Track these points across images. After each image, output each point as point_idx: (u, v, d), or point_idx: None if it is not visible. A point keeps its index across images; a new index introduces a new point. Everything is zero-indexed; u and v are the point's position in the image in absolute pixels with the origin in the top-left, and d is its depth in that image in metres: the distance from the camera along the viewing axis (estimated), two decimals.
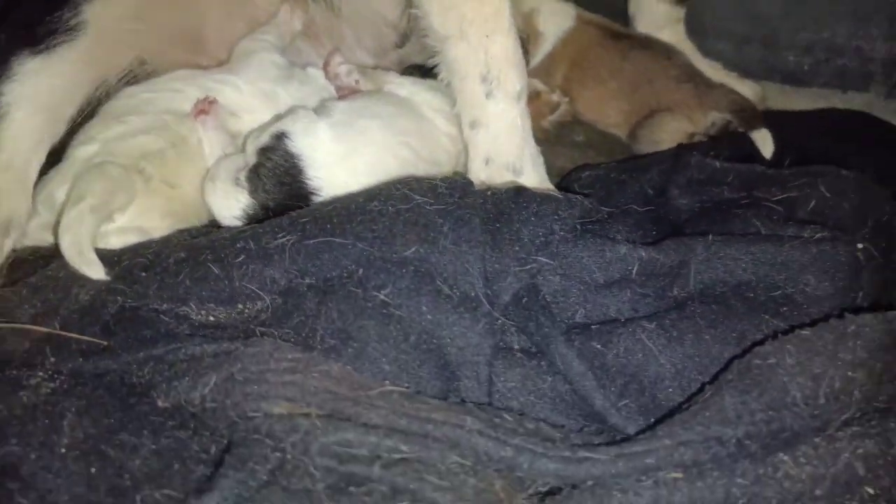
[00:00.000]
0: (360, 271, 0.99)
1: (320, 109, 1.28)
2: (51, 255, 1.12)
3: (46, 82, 1.23)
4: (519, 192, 1.12)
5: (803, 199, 1.22)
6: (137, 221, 1.20)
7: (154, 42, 1.40)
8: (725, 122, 1.55)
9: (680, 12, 1.79)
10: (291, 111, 1.28)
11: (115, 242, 1.16)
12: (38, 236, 1.21)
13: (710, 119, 1.55)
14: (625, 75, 1.65)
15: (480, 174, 1.33)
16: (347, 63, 1.51)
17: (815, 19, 1.80)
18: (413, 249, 1.00)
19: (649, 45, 1.69)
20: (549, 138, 1.70)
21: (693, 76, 1.62)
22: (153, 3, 1.37)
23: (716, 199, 1.29)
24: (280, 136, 1.21)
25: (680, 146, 1.48)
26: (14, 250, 1.18)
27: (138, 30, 1.35)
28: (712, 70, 1.82)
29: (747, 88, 1.80)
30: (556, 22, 1.72)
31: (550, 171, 1.55)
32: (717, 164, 1.29)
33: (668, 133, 1.58)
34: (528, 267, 1.01)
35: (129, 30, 1.33)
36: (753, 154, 1.49)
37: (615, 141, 1.71)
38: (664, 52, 1.67)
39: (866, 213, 1.16)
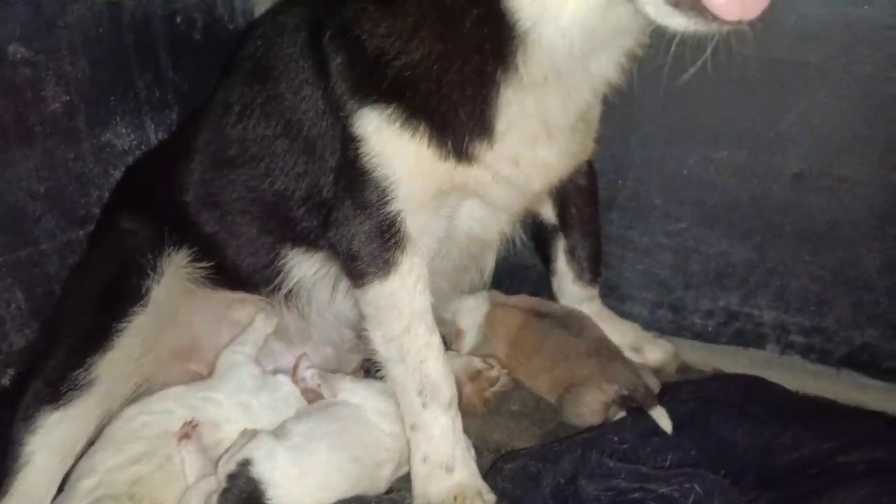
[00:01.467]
0: None
1: (279, 431, 1.57)
2: None
3: (63, 430, 1.52)
4: None
5: (683, 495, 1.47)
6: None
7: (153, 368, 1.71)
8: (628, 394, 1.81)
9: (593, 291, 2.11)
10: (256, 436, 1.55)
11: None
12: None
13: (617, 390, 1.81)
14: (546, 353, 1.93)
15: (420, 470, 1.60)
16: (312, 367, 1.81)
17: (711, 290, 2.12)
18: None
19: (565, 322, 1.98)
20: (489, 408, 1.98)
21: (599, 351, 1.89)
22: (154, 340, 1.68)
23: (615, 489, 1.55)
24: (244, 463, 1.49)
25: (589, 430, 1.75)
26: None
27: (141, 365, 1.66)
28: (632, 331, 2.13)
29: (661, 348, 2.10)
30: (471, 315, 2.03)
31: (487, 445, 1.83)
32: (611, 463, 1.55)
33: (585, 405, 1.84)
34: None
35: (133, 370, 1.64)
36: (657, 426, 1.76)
37: (547, 408, 1.97)
38: (577, 328, 1.96)
39: None
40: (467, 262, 1.86)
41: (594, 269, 2.09)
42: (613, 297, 2.23)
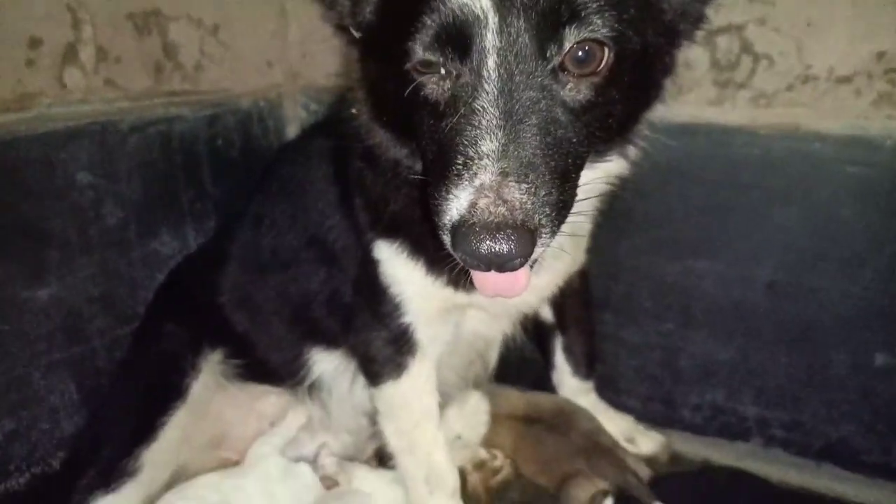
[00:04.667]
0: None
1: None
2: None
3: None
4: None
5: None
6: None
7: (189, 455, 1.92)
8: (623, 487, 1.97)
9: (589, 385, 2.30)
10: None
11: None
12: None
13: (606, 485, 1.97)
14: (540, 458, 2.11)
15: None
16: (332, 456, 2.01)
17: (698, 386, 2.30)
18: None
19: (554, 424, 2.15)
20: (492, 496, 2.14)
21: (587, 448, 2.06)
22: (191, 431, 1.89)
23: None
24: None
25: None
26: None
27: (179, 453, 1.87)
28: (625, 422, 2.31)
29: (653, 440, 2.27)
30: (471, 432, 2.20)
31: None
32: None
33: (575, 499, 2.00)
34: None
35: (172, 458, 1.85)
36: None
37: (547, 496, 2.13)
38: (565, 427, 2.13)
39: None
40: (473, 357, 2.07)
41: (590, 364, 2.29)
42: (609, 391, 2.41)
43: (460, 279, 1.64)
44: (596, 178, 1.52)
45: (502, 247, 1.08)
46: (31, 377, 1.99)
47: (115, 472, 1.73)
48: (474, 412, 2.18)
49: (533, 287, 1.73)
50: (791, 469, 2.19)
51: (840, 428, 2.14)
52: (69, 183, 2.01)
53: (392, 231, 1.66)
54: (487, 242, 1.08)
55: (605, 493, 1.95)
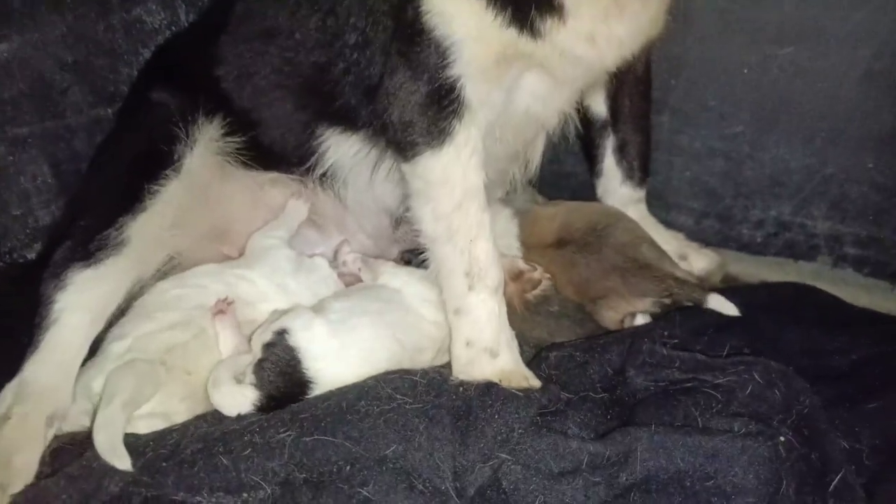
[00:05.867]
0: (348, 468, 1.17)
1: (318, 307, 1.50)
2: (87, 441, 1.31)
3: (94, 290, 1.45)
4: (486, 390, 1.31)
5: (740, 386, 1.40)
6: (161, 408, 1.39)
7: (186, 242, 1.64)
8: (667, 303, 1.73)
9: (641, 193, 2.02)
10: (292, 310, 1.48)
11: (143, 427, 1.35)
12: (77, 422, 1.40)
13: (646, 304, 1.73)
14: (573, 278, 1.86)
15: (462, 354, 1.52)
16: (354, 252, 1.74)
17: (763, 199, 2.03)
18: (392, 448, 1.19)
19: (586, 244, 1.86)
20: (529, 308, 1.91)
21: (622, 265, 1.78)
22: (187, 213, 1.61)
23: (666, 380, 1.47)
24: (281, 333, 1.42)
25: (636, 328, 1.67)
26: (56, 436, 1.37)
27: (174, 235, 1.59)
28: (675, 240, 2.04)
29: (706, 257, 2.01)
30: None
31: (527, 341, 1.75)
32: (665, 351, 1.48)
33: (607, 319, 1.79)
34: (491, 462, 1.19)
35: (165, 237, 1.56)
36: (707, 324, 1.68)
37: (585, 311, 1.90)
38: (597, 246, 1.84)
39: (790, 404, 1.33)
40: (518, 149, 1.77)
41: (644, 167, 2.00)
42: (658, 206, 2.13)
43: (528, 14, 1.33)
44: None
45: None
46: None
47: (95, 244, 1.45)
48: (502, 234, 1.91)
49: (612, 39, 1.44)
50: (861, 291, 1.95)
51: None
52: None
53: None
54: None
55: (633, 315, 1.74)
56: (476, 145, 1.48)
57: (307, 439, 1.21)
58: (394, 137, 1.52)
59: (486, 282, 1.52)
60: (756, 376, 1.39)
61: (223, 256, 1.77)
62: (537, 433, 1.23)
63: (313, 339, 1.41)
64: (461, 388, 1.32)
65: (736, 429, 1.26)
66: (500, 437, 1.22)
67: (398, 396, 1.25)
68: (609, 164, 2.01)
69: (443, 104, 1.43)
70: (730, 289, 1.85)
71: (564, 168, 2.18)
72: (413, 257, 1.75)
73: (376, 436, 1.20)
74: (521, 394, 1.31)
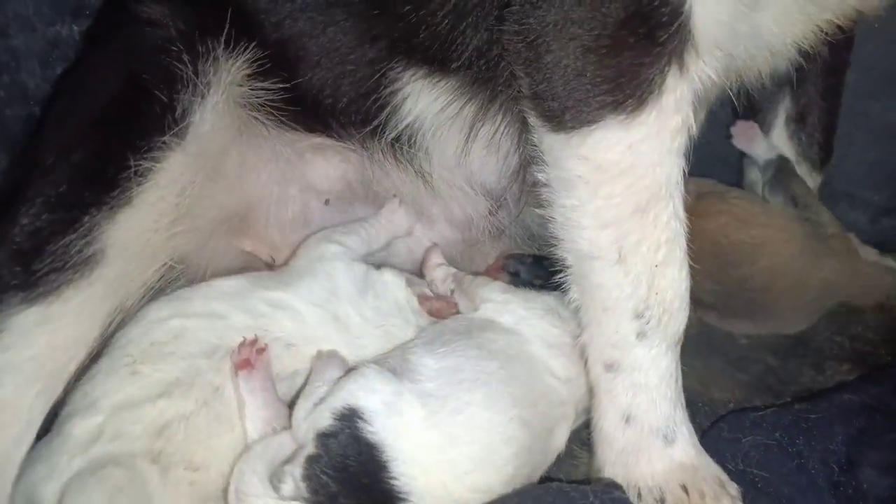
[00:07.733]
0: None
1: (401, 368, 0.95)
2: None
3: (44, 340, 0.90)
4: None
5: None
6: None
7: (191, 240, 1.09)
8: None
9: (817, 180, 1.50)
10: (357, 372, 0.94)
11: None
12: None
13: None
14: None
15: (616, 437, 1.01)
16: (446, 265, 1.20)
17: None
18: None
19: None
20: None
21: None
22: (192, 197, 1.04)
23: None
24: (349, 416, 0.88)
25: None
26: None
27: (174, 233, 1.03)
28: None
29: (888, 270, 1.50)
30: None
31: None
32: None
33: None
34: None
35: (160, 240, 1.00)
36: None
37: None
38: None
39: None
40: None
41: (827, 144, 1.47)
42: (821, 194, 1.59)
43: None
44: None
45: None
46: None
47: (45, 264, 0.89)
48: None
49: None
50: None
51: None
52: None
53: None
54: None
55: None
56: (687, 114, 0.94)
57: None
58: (544, 91, 0.95)
59: (667, 329, 0.99)
60: None
61: (245, 257, 1.22)
62: None
63: (403, 430, 0.88)
64: None
65: None
66: None
67: None
68: (779, 136, 1.46)
69: (655, 35, 0.87)
70: None
71: (715, 151, 1.61)
72: (521, 266, 1.22)
73: None
74: None
